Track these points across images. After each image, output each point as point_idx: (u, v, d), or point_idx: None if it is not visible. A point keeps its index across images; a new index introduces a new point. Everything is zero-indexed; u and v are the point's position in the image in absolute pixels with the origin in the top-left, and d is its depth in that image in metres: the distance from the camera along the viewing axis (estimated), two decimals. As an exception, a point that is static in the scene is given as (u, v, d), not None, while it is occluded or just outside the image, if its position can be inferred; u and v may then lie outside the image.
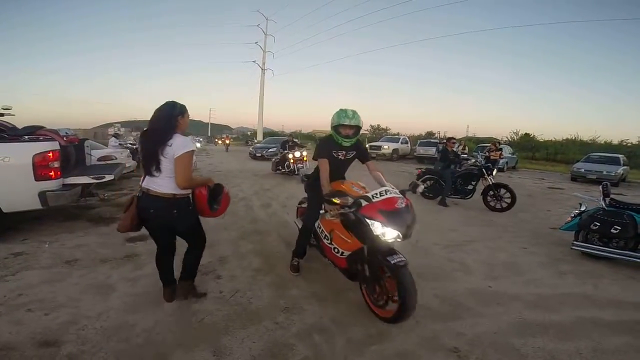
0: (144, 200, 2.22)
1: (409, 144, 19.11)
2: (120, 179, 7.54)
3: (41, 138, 3.99)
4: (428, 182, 6.84)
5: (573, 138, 24.26)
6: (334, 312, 2.44)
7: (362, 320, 2.35)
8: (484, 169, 6.25)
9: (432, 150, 15.65)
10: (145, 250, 3.48)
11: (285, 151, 9.83)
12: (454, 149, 7.06)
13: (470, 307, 2.61)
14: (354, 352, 2.01)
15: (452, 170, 6.62)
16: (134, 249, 3.55)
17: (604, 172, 11.61)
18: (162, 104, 2.19)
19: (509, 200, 6.01)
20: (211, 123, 71.43)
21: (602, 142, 22.72)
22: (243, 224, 4.67)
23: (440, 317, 2.45)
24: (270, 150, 15.58)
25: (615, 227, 3.54)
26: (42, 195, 3.60)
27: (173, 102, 2.21)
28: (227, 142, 26.21)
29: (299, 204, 3.95)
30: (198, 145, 11.53)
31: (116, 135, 11.42)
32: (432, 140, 18.11)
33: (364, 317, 2.39)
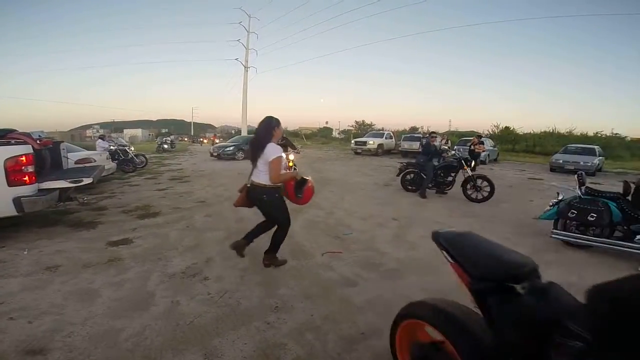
0: (250, 187, 3.01)
1: (393, 139, 19.30)
2: (100, 182, 7.33)
3: (13, 142, 3.82)
4: (410, 175, 7.03)
5: (550, 130, 25.07)
6: (324, 310, 2.44)
7: (353, 317, 2.36)
8: (462, 161, 6.44)
9: (416, 145, 15.85)
10: (129, 254, 3.41)
11: None
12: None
13: (458, 300, 2.64)
14: (346, 349, 2.02)
15: (433, 163, 6.79)
16: (117, 252, 3.46)
17: (581, 163, 12.05)
18: (264, 117, 2.89)
19: (487, 191, 6.20)
20: (194, 122, 70.10)
21: (579, 134, 23.58)
22: (229, 224, 4.62)
23: None
24: (227, 149, 14.81)
25: (592, 214, 3.65)
26: (17, 201, 3.47)
27: (270, 116, 2.87)
28: (217, 141, 25.55)
29: None
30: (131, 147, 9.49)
31: (103, 137, 11.07)
32: (415, 135, 18.35)
33: (354, 314, 2.41)
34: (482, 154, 12.53)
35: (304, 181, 3.02)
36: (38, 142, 4.28)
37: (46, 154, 4.53)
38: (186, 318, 2.25)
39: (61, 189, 4.10)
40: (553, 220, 4.06)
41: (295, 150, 6.78)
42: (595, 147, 13.78)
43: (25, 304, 2.40)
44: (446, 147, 10.16)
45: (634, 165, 15.62)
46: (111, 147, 9.72)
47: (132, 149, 10.95)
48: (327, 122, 47.31)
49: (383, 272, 3.12)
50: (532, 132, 25.12)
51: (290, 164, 6.36)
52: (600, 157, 13.05)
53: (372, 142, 17.17)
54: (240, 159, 14.43)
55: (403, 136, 18.90)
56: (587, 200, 3.80)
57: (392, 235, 4.29)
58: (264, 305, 2.47)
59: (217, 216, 5.00)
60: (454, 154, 6.74)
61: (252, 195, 3.01)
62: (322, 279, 2.97)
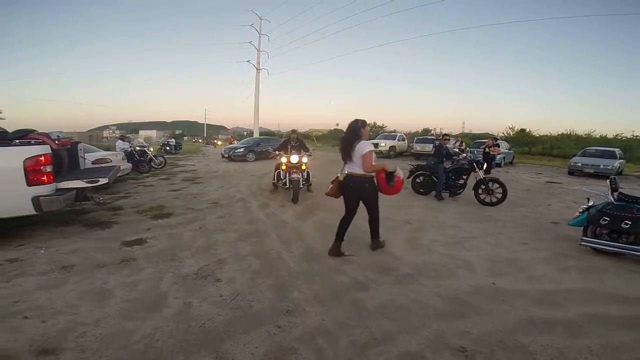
0: (347, 178, 3.42)
1: (406, 141, 19.10)
2: (116, 182, 7.47)
3: (32, 142, 3.92)
4: (420, 178, 6.90)
5: (568, 133, 24.35)
6: (336, 314, 2.39)
7: (365, 321, 2.31)
8: (474, 164, 6.29)
9: (429, 147, 15.57)
10: (143, 255, 3.43)
11: (279, 153, 6.52)
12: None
13: (475, 305, 2.58)
14: (358, 354, 1.97)
15: (444, 165, 6.65)
16: (131, 253, 3.49)
17: (601, 166, 11.66)
18: (352, 120, 3.39)
19: (500, 195, 6.04)
20: (207, 124, 71.05)
21: (598, 136, 22.84)
22: (241, 225, 4.62)
23: (444, 316, 2.41)
24: (237, 151, 14.82)
25: (626, 221, 3.48)
26: (36, 200, 3.53)
27: (356, 119, 3.37)
28: (234, 142, 25.50)
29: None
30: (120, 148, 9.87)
31: (123, 138, 11.31)
32: (428, 137, 18.05)
33: (366, 318, 2.35)
34: (498, 157, 12.25)
35: (391, 173, 3.51)
36: (56, 142, 4.39)
37: (64, 154, 4.63)
38: (198, 320, 2.24)
39: (78, 189, 4.17)
40: (582, 227, 3.89)
41: (308, 153, 6.57)
42: (616, 149, 13.28)
43: (40, 303, 2.43)
44: (457, 150, 9.96)
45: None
46: (128, 148, 9.92)
47: (152, 149, 11.11)
48: (337, 124, 46.94)
49: (396, 277, 3.06)
50: (549, 134, 24.48)
51: (304, 167, 6.22)
52: (621, 160, 12.58)
53: (384, 144, 16.99)
54: (251, 160, 14.52)
55: (416, 138, 18.65)
56: (621, 206, 3.63)
57: (405, 239, 4.20)
58: (276, 309, 2.44)
59: (229, 217, 5.01)
60: (466, 157, 6.56)
61: (352, 185, 3.41)
62: (334, 283, 2.91)
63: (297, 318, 2.33)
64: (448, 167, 6.61)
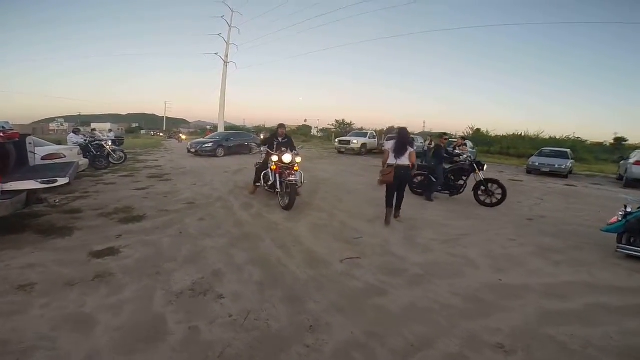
0: (398, 167, 4.56)
1: (376, 139, 19.33)
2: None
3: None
4: (418, 178, 6.78)
5: (520, 133, 26.29)
6: (363, 324, 2.21)
7: (395, 328, 2.19)
8: (475, 165, 6.23)
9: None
10: (119, 268, 2.92)
11: (263, 151, 5.99)
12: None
13: (492, 302, 2.62)
14: (403, 364, 1.77)
15: (443, 166, 6.57)
16: (104, 266, 2.95)
17: (556, 165, 12.54)
18: (402, 127, 5.08)
19: (499, 196, 6.05)
20: (167, 117, 66.67)
21: (547, 137, 24.82)
22: (227, 229, 4.19)
23: (470, 315, 2.41)
24: (205, 146, 13.88)
25: None
26: (-24, 206, 2.87)
27: (405, 127, 5.03)
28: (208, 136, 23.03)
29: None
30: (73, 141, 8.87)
31: (76, 131, 10.03)
32: (399, 136, 18.42)
33: (395, 324, 2.23)
34: (464, 156, 12.75)
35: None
36: (1, 134, 3.64)
37: (10, 149, 3.86)
38: (214, 348, 1.87)
39: (30, 191, 3.51)
40: (617, 234, 3.83)
41: (295, 152, 5.85)
42: (568, 150, 14.39)
43: (3, 336, 1.91)
44: (458, 152, 10.12)
45: (600, 168, 16.57)
46: (82, 142, 8.85)
47: (109, 143, 9.94)
48: (305, 120, 46.78)
49: (408, 278, 2.99)
50: (505, 134, 26.16)
51: (297, 168, 5.36)
52: (572, 160, 13.64)
53: (356, 142, 17.04)
54: (220, 156, 13.72)
55: (387, 136, 18.94)
56: None
57: (403, 238, 4.13)
58: (297, 325, 2.15)
59: (211, 219, 4.55)
60: (467, 157, 6.53)
61: (402, 172, 4.63)
62: (349, 289, 2.72)
63: (323, 334, 2.07)
64: (448, 167, 6.55)
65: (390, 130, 31.88)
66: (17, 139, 3.97)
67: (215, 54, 27.50)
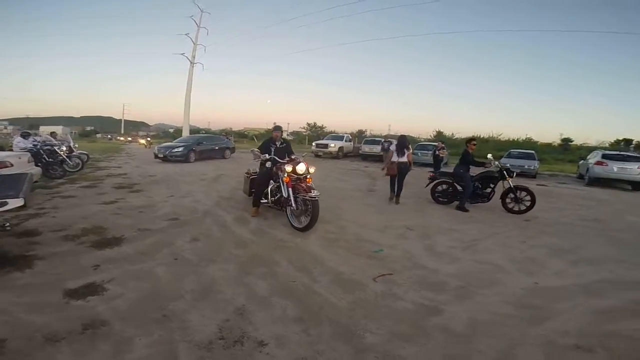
0: (399, 163, 6.30)
1: (351, 142, 19.25)
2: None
3: None
4: (442, 186, 6.44)
5: (480, 136, 27.72)
6: (437, 349, 2.03)
7: (472, 346, 2.07)
8: (504, 172, 5.92)
9: (377, 148, 15.87)
10: (112, 312, 2.23)
11: (268, 160, 4.86)
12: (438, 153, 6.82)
13: (543, 305, 2.63)
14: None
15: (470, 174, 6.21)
16: (90, 310, 2.24)
17: (525, 167, 13.08)
18: (401, 135, 7.10)
19: (528, 203, 5.83)
20: (125, 120, 61.78)
21: (507, 139, 26.34)
22: (230, 250, 3.57)
23: (531, 321, 2.39)
24: (175, 150, 12.58)
25: None
26: None
27: (404, 135, 6.99)
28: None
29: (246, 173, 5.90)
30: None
31: (25, 135, 8.56)
32: (376, 139, 18.43)
33: (470, 343, 2.11)
34: (495, 163, 12.85)
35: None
36: None
37: None
38: None
39: None
40: None
41: (296, 158, 4.81)
42: (533, 152, 15.17)
43: None
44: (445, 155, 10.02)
45: (559, 167, 17.72)
46: (31, 147, 7.57)
47: (64, 148, 8.64)
48: (275, 124, 45.54)
49: (453, 292, 2.83)
50: (465, 137, 27.46)
51: (310, 180, 4.60)
52: (538, 161, 14.37)
53: (333, 145, 16.73)
54: (192, 161, 12.64)
55: (364, 139, 18.95)
56: None
57: (423, 248, 3.92)
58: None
59: (207, 240, 3.88)
60: (497, 164, 6.11)
61: (402, 167, 6.32)
62: (400, 312, 2.46)
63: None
64: (474, 175, 6.19)
65: (359, 133, 32.43)
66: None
67: (182, 54, 25.94)
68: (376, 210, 5.86)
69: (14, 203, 2.74)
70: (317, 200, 4.14)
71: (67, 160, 8.50)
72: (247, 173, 5.92)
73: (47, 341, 1.87)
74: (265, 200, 4.92)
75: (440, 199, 6.47)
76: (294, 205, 4.34)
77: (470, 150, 6.20)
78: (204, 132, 30.10)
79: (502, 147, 23.94)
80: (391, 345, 2.03)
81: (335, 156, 16.44)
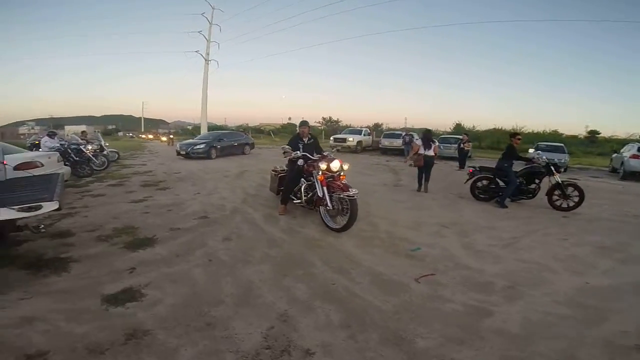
0: (426, 156, 6.74)
1: (370, 136, 18.93)
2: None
3: None
4: (483, 182, 6.16)
5: (500, 128, 26.74)
6: (495, 353, 1.92)
7: (532, 348, 1.98)
8: (552, 167, 5.63)
9: (397, 142, 15.52)
10: (154, 320, 2.15)
11: (300, 158, 4.57)
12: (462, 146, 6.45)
13: (597, 305, 2.53)
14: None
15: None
16: (131, 318, 2.17)
17: (556, 160, 12.52)
18: (426, 130, 7.95)
19: (577, 199, 5.51)
20: (145, 118, 63.44)
21: (530, 131, 25.28)
22: (264, 250, 3.46)
23: (587, 321, 2.30)
24: (197, 147, 12.65)
25: None
26: None
27: (429, 129, 8.30)
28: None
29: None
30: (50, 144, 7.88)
31: (51, 134, 8.79)
32: (396, 133, 18.07)
33: (528, 346, 2.01)
34: (544, 157, 12.39)
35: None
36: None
37: None
38: None
39: (3, 222, 2.65)
40: None
41: (327, 154, 4.63)
42: (562, 145, 14.45)
43: None
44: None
45: (589, 161, 16.81)
46: (58, 146, 7.73)
47: (89, 147, 8.80)
48: (290, 118, 45.75)
49: (501, 293, 2.70)
50: (494, 128, 26.46)
51: (344, 177, 4.31)
52: (567, 154, 13.67)
53: (352, 139, 16.44)
54: (214, 157, 12.68)
55: (384, 133, 18.62)
56: None
57: (461, 247, 3.76)
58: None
59: (239, 239, 3.78)
60: (543, 159, 5.81)
61: (428, 159, 6.77)
62: (449, 315, 2.34)
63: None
64: (518, 170, 5.89)
65: (376, 126, 32.03)
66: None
67: (196, 52, 26.14)
68: (405, 206, 5.68)
69: (49, 206, 2.69)
70: (355, 199, 3.87)
71: (93, 158, 8.65)
72: (274, 171, 5.73)
73: (90, 353, 1.80)
74: (298, 200, 4.66)
75: (481, 195, 6.17)
76: (329, 204, 4.08)
77: (515, 145, 5.86)
78: (226, 129, 30.04)
79: (527, 139, 23.05)
80: (445, 349, 1.93)
81: (353, 150, 16.16)
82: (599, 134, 27.45)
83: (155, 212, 4.84)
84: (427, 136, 7.05)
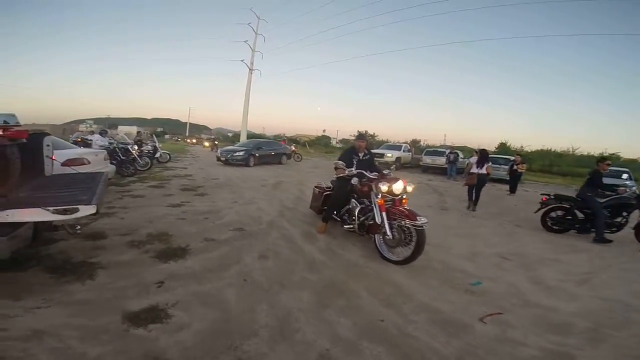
0: (479, 175, 6.97)
1: (410, 153, 18.19)
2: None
3: None
4: (558, 212, 5.49)
5: (549, 149, 24.58)
6: None
7: None
8: None
9: (440, 160, 14.69)
10: (177, 349, 1.85)
11: (354, 176, 4.08)
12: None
13: None
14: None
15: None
16: (152, 343, 1.88)
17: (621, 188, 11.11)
18: (482, 149, 7.73)
19: None
20: (190, 123, 67.28)
21: (585, 153, 23.03)
22: (302, 274, 3.07)
23: None
24: (236, 154, 12.48)
25: None
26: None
27: (485, 149, 7.63)
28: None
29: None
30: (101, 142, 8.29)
31: (102, 133, 9.24)
32: (439, 150, 17.19)
33: None
34: (634, 188, 11.27)
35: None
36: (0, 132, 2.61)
37: (14, 154, 2.79)
38: None
39: (38, 223, 2.50)
40: None
41: (386, 173, 4.02)
42: (627, 169, 12.76)
43: None
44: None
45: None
46: (107, 145, 8.04)
47: (136, 147, 9.09)
48: (324, 130, 46.14)
49: (582, 335, 2.41)
50: (544, 149, 24.41)
51: (405, 201, 3.76)
52: (634, 181, 11.95)
53: (390, 155, 15.82)
54: (252, 165, 12.69)
55: (425, 150, 17.81)
56: None
57: (528, 281, 3.35)
58: None
59: (276, 258, 3.43)
60: (635, 190, 5.17)
61: (481, 177, 6.95)
62: None
63: None
64: (604, 201, 5.19)
65: (414, 143, 31.05)
66: (25, 140, 2.93)
67: (242, 61, 27.00)
68: (457, 233, 5.09)
69: (86, 210, 2.50)
70: (424, 230, 3.26)
71: (138, 159, 8.88)
72: (317, 187, 5.13)
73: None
74: (349, 226, 4.06)
75: (555, 227, 5.44)
76: (389, 234, 3.46)
77: (602, 171, 5.14)
78: (267, 137, 30.20)
79: (582, 162, 20.92)
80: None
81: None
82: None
83: (191, 218, 4.66)
84: (484, 155, 7.14)
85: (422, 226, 3.23)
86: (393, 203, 3.64)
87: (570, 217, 5.30)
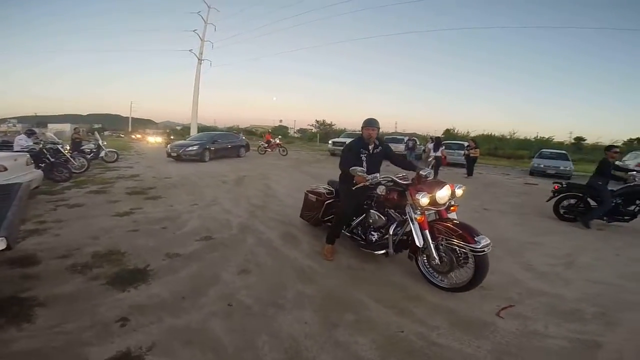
0: (435, 157, 9.39)
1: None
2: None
3: None
4: (570, 201, 5.49)
5: (490, 134, 26.74)
6: None
7: None
8: None
9: (400, 147, 14.92)
10: None
11: (379, 183, 3.06)
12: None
13: None
14: None
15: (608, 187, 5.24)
16: None
17: (561, 167, 12.33)
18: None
19: None
20: (133, 117, 61.12)
21: (523, 137, 25.35)
22: (297, 288, 2.66)
23: None
24: (189, 149, 11.42)
25: None
26: None
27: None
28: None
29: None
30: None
31: (29, 133, 7.71)
32: (397, 137, 17.46)
33: None
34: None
35: None
36: None
37: None
38: None
39: None
40: None
41: (424, 171, 3.02)
42: (565, 152, 14.24)
43: None
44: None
45: (583, 168, 16.53)
46: (32, 146, 6.75)
47: (67, 147, 7.84)
48: (281, 121, 45.16)
49: (597, 320, 2.40)
50: (488, 134, 26.35)
51: (454, 208, 2.95)
52: (571, 162, 13.38)
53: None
54: (207, 160, 11.66)
55: (385, 137, 17.97)
56: None
57: (521, 268, 3.35)
58: None
59: (258, 270, 2.96)
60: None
61: (438, 160, 9.08)
62: (559, 353, 2.01)
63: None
64: (616, 190, 5.16)
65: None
66: None
67: (190, 50, 25.20)
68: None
69: None
70: (486, 254, 2.46)
71: (72, 160, 7.61)
72: (313, 193, 4.06)
73: None
74: (382, 251, 3.01)
75: (567, 215, 5.51)
76: (437, 259, 2.66)
77: (610, 160, 5.18)
78: (216, 130, 28.89)
79: (522, 145, 22.93)
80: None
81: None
82: (584, 140, 27.68)
83: (145, 229, 3.96)
84: (438, 141, 10.07)
85: (483, 250, 2.42)
86: (439, 216, 2.87)
87: (582, 206, 5.38)
